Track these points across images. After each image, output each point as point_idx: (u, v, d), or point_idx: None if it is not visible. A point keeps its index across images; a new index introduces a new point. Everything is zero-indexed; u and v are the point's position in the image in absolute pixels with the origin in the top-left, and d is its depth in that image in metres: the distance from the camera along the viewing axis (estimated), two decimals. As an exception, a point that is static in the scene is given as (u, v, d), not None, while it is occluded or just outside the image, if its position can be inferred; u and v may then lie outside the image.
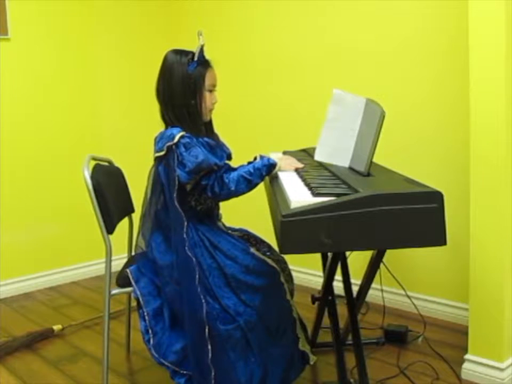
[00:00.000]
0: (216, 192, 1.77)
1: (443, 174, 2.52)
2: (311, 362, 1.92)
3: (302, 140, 2.55)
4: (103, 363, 1.98)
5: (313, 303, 2.00)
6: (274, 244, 1.54)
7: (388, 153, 2.27)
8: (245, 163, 1.95)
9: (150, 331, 1.77)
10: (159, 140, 1.80)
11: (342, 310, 2.00)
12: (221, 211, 1.98)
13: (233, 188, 1.76)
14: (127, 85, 3.58)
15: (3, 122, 3.10)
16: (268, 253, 1.92)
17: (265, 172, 1.81)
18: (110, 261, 1.96)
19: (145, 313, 1.78)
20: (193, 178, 1.75)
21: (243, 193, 1.79)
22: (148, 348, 1.77)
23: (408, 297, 2.54)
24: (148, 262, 1.86)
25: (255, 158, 1.93)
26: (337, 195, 1.41)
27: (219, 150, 1.87)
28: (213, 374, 1.69)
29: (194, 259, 1.73)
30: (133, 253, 2.05)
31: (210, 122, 1.93)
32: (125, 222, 2.22)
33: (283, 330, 1.83)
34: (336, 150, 1.92)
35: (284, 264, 1.94)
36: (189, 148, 1.73)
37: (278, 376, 1.80)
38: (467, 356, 2.07)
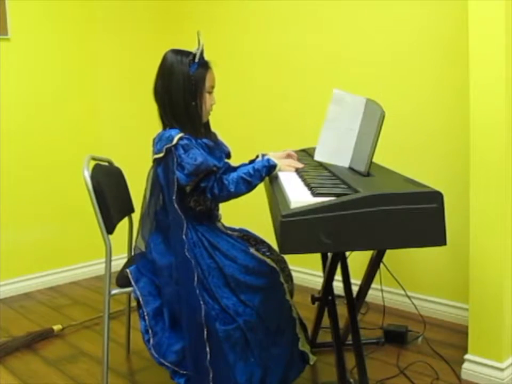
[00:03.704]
0: (216, 194, 1.77)
1: (443, 174, 2.52)
2: (311, 362, 1.92)
3: (302, 139, 2.55)
4: (103, 363, 1.98)
5: (313, 303, 2.00)
6: (274, 244, 1.54)
7: (388, 153, 2.27)
8: (246, 162, 1.96)
9: (149, 331, 1.76)
10: (158, 141, 1.79)
11: (342, 310, 2.00)
12: (220, 211, 1.97)
13: (232, 190, 1.76)
14: (127, 85, 3.58)
15: (3, 122, 3.10)
16: (268, 253, 1.91)
17: (265, 173, 1.80)
18: (110, 261, 1.96)
19: (145, 313, 1.78)
20: (193, 181, 1.75)
21: (243, 194, 1.79)
22: (147, 347, 1.77)
23: (408, 297, 2.54)
24: (148, 262, 1.86)
25: (257, 157, 1.93)
26: (337, 195, 1.41)
27: (218, 151, 1.87)
28: (211, 375, 1.69)
29: (193, 261, 1.73)
30: (133, 253, 2.05)
31: (207, 123, 1.93)
32: (125, 222, 2.22)
33: (283, 330, 1.83)
34: (336, 150, 1.92)
35: (283, 264, 1.94)
36: (187, 149, 1.73)
37: (277, 376, 1.80)
38: (467, 356, 2.07)
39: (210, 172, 1.76)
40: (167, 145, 1.74)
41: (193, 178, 1.74)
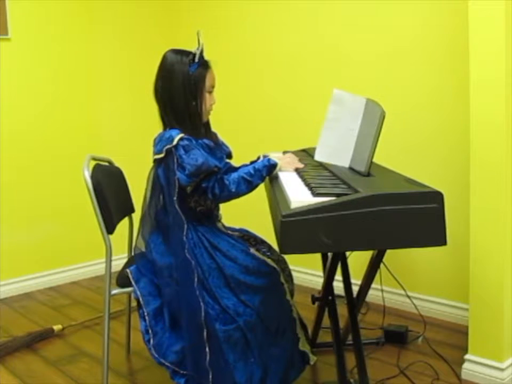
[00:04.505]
0: (217, 194, 1.77)
1: (443, 174, 2.52)
2: (311, 362, 1.92)
3: (302, 139, 2.55)
4: (103, 363, 1.98)
5: (313, 303, 2.00)
6: (274, 244, 1.54)
7: (388, 153, 2.27)
8: (247, 163, 1.95)
9: (150, 331, 1.76)
10: (158, 141, 1.79)
11: (342, 310, 2.00)
12: (221, 212, 1.97)
13: (233, 190, 1.76)
14: (127, 85, 3.58)
15: (3, 122, 3.10)
16: (268, 253, 1.91)
17: (266, 172, 1.80)
18: (110, 261, 1.96)
19: (145, 313, 1.78)
20: (194, 181, 1.75)
21: (244, 194, 1.79)
22: (148, 348, 1.77)
23: (408, 297, 2.54)
24: (148, 262, 1.86)
25: (258, 158, 1.92)
26: (337, 195, 1.41)
27: (218, 151, 1.87)
28: (211, 375, 1.69)
29: (193, 262, 1.73)
30: (133, 254, 2.05)
31: (207, 123, 1.93)
32: (125, 222, 2.22)
33: (283, 331, 1.83)
34: (336, 150, 1.92)
35: (284, 264, 1.94)
36: (188, 150, 1.73)
37: (277, 377, 1.79)
38: (467, 356, 2.07)
39: (211, 172, 1.76)
40: (167, 146, 1.74)
41: (194, 179, 1.74)
